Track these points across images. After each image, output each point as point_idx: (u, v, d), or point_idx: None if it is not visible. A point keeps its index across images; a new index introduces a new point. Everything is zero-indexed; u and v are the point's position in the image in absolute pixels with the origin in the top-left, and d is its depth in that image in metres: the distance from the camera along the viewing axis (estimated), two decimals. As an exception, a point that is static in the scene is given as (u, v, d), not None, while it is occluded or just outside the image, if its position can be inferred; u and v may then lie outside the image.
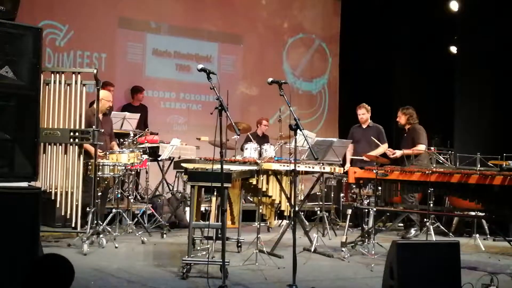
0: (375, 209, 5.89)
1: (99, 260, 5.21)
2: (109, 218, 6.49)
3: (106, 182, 6.27)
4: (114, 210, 6.56)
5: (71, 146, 5.69)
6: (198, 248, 5.69)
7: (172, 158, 7.96)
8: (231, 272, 4.76)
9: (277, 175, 5.99)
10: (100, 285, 4.31)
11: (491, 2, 8.37)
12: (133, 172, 7.48)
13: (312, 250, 5.87)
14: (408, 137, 7.54)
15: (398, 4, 10.12)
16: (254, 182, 5.78)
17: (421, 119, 7.70)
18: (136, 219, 7.08)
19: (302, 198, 7.68)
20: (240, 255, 5.67)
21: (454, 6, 8.89)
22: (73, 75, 5.75)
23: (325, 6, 11.20)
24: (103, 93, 6.32)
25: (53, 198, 5.67)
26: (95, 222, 5.79)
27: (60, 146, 5.67)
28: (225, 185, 4.48)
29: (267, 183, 5.96)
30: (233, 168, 5.38)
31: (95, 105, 6.06)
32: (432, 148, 6.98)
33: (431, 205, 5.89)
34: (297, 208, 5.49)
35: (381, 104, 9.12)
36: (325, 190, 7.92)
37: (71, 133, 5.65)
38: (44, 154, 5.59)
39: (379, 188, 5.95)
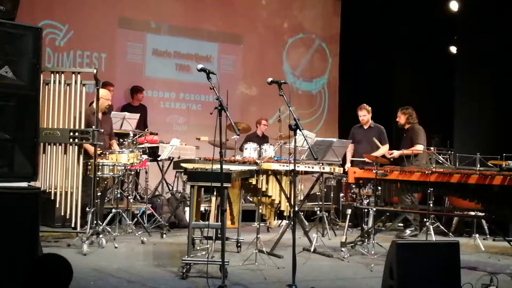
0: (374, 209, 5.90)
1: (98, 260, 5.21)
2: (108, 218, 6.49)
3: (105, 182, 6.28)
4: (113, 210, 6.56)
5: (70, 146, 5.69)
6: (198, 248, 5.69)
7: (171, 158, 7.96)
8: (231, 272, 4.76)
9: (277, 175, 5.99)
10: (100, 285, 4.31)
11: (491, 2, 8.37)
12: (132, 172, 7.48)
13: (312, 250, 5.87)
14: (407, 137, 7.55)
15: (398, 4, 10.12)
16: (254, 182, 5.78)
17: (421, 119, 7.71)
18: (135, 219, 7.08)
19: (302, 198, 7.68)
20: (239, 255, 5.67)
21: (454, 6, 8.89)
22: (73, 75, 5.75)
23: (325, 6, 11.19)
24: (101, 91, 6.32)
25: (52, 198, 5.67)
26: (95, 222, 5.79)
27: (60, 146, 5.67)
28: (225, 185, 4.48)
29: (267, 183, 5.96)
30: (233, 168, 5.38)
31: (94, 104, 6.06)
32: (431, 148, 6.98)
33: (431, 205, 5.89)
34: (296, 208, 5.49)
35: (381, 104, 9.12)
36: (325, 190, 7.92)
37: (71, 133, 5.65)
38: (43, 154, 5.59)
39: (379, 188, 5.95)
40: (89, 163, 5.98)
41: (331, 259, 5.67)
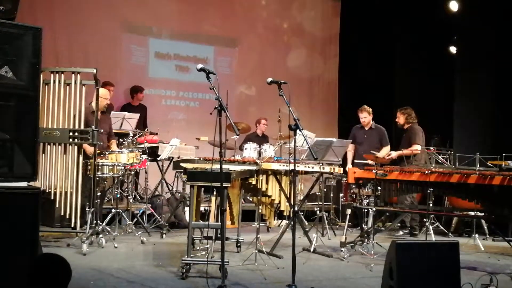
0: (374, 209, 5.90)
1: (98, 260, 5.21)
2: (108, 218, 6.50)
3: (105, 182, 6.28)
4: (113, 210, 6.56)
5: (70, 146, 5.68)
6: (198, 248, 5.70)
7: (171, 158, 7.96)
8: (231, 272, 4.77)
9: (277, 175, 5.99)
10: (100, 285, 4.31)
11: (491, 2, 8.37)
12: (132, 172, 7.48)
13: (312, 250, 5.87)
14: (405, 137, 7.56)
15: (397, 5, 10.11)
16: (254, 182, 5.78)
17: (421, 119, 7.71)
18: (135, 219, 7.08)
19: (302, 198, 7.69)
20: (239, 255, 5.67)
21: (454, 6, 8.88)
22: (73, 75, 5.75)
23: (324, 7, 11.20)
24: (100, 91, 6.32)
25: (52, 198, 5.66)
26: (95, 222, 5.79)
27: (60, 146, 5.67)
28: (225, 185, 4.48)
29: (267, 183, 5.96)
30: (233, 168, 5.38)
31: (93, 103, 6.06)
32: (431, 148, 6.98)
33: (431, 205, 5.89)
34: (296, 208, 5.49)
35: (381, 104, 9.12)
36: (325, 190, 7.92)
37: (71, 133, 5.64)
38: (43, 154, 5.58)
39: (379, 188, 5.95)
40: (89, 163, 5.98)
41: (331, 259, 5.67)
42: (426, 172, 5.60)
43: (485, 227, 7.47)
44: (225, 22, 10.26)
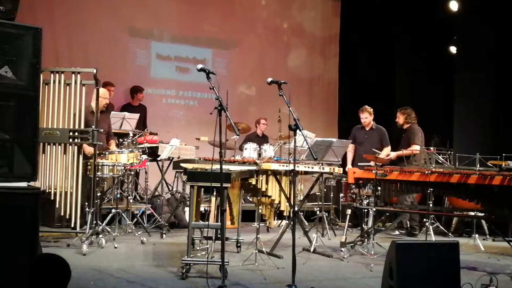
0: (374, 209, 5.90)
1: (98, 260, 5.21)
2: (108, 218, 6.49)
3: (105, 183, 6.27)
4: (113, 210, 6.56)
5: (70, 146, 5.68)
6: (198, 248, 5.70)
7: (171, 158, 7.96)
8: (231, 272, 4.77)
9: (277, 175, 5.99)
10: (100, 285, 4.31)
11: (491, 2, 8.37)
12: (132, 172, 7.48)
13: (312, 250, 5.87)
14: (405, 137, 7.56)
15: (397, 5, 10.11)
16: (254, 182, 5.78)
17: (421, 119, 7.70)
18: (135, 219, 7.08)
19: (302, 198, 7.68)
20: (239, 255, 5.67)
21: (454, 6, 8.88)
22: (73, 75, 5.75)
23: (324, 7, 11.19)
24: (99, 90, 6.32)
25: (52, 198, 5.67)
26: (95, 222, 5.79)
27: (60, 146, 5.67)
28: (225, 185, 4.48)
29: (267, 183, 5.96)
30: (233, 168, 5.38)
31: (92, 103, 6.05)
32: (431, 148, 6.98)
33: (431, 205, 5.88)
34: (296, 208, 5.49)
35: (381, 104, 9.11)
36: (325, 190, 7.92)
37: (70, 133, 5.65)
38: (43, 154, 5.58)
39: (379, 188, 5.95)
40: (89, 163, 5.98)
41: (331, 259, 5.67)
42: (426, 172, 5.60)
43: (485, 227, 7.47)
44: (225, 22, 10.29)
